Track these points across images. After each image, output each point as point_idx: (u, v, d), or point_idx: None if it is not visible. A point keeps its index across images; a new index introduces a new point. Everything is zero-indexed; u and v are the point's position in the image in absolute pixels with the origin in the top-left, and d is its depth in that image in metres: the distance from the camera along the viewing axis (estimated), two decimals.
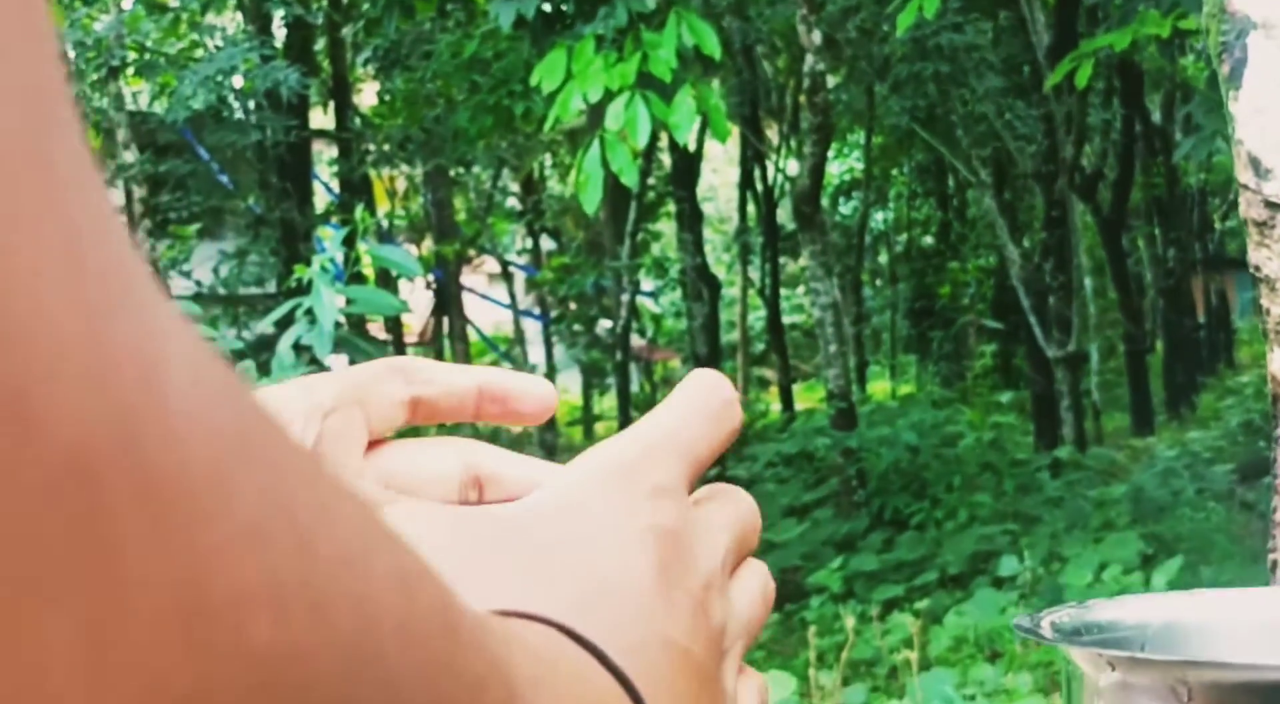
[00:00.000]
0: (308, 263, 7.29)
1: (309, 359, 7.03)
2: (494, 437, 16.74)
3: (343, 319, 7.22)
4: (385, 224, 20.72)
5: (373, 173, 19.02)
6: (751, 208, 22.29)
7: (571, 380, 26.24)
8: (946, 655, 8.01)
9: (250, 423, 0.27)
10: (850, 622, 7.60)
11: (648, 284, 24.29)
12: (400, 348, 20.52)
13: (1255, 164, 1.33)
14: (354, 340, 7.45)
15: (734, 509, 0.54)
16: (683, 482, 0.52)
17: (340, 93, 17.34)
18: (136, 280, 0.24)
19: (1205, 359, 23.14)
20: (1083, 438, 14.78)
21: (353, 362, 7.70)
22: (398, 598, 0.30)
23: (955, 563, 9.96)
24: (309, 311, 7.00)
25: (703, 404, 0.54)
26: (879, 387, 25.56)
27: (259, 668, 0.25)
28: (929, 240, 25.09)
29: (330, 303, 7.06)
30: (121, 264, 0.24)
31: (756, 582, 0.53)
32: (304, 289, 7.01)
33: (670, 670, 0.45)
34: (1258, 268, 1.32)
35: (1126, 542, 9.48)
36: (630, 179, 6.52)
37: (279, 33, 15.47)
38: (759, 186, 21.25)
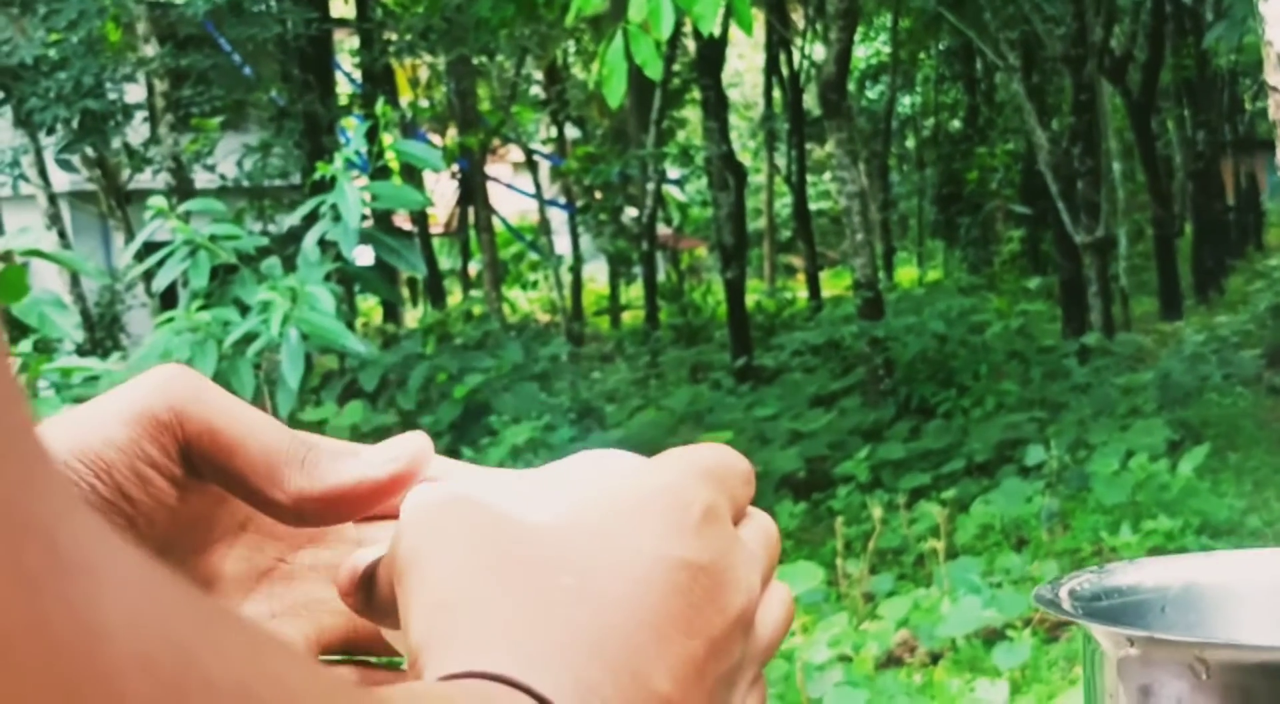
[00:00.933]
0: (332, 155, 7.29)
1: (335, 255, 7.04)
2: (522, 328, 16.76)
3: (368, 213, 7.23)
4: (408, 114, 20.62)
5: (395, 63, 18.89)
6: (777, 94, 22.11)
7: (598, 269, 26.23)
8: (973, 543, 8.05)
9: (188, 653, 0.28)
10: (877, 511, 7.65)
11: (673, 172, 24.18)
12: (426, 240, 20.53)
13: None
14: (379, 235, 7.45)
15: (765, 535, 0.52)
16: (729, 513, 0.50)
17: None
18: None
19: (1234, 242, 22.97)
20: (1110, 324, 14.74)
21: (378, 256, 7.72)
22: None
23: (982, 451, 9.98)
24: (334, 208, 7.01)
25: (734, 459, 0.53)
26: (906, 273, 25.48)
27: None
28: (956, 125, 24.88)
29: (355, 199, 7.05)
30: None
31: (781, 608, 0.52)
32: (329, 185, 7.00)
33: None
34: None
35: (1153, 428, 9.48)
36: (654, 71, 6.45)
37: None
38: (784, 72, 21.08)
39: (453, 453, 10.00)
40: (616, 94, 6.33)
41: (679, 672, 0.45)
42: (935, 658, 6.53)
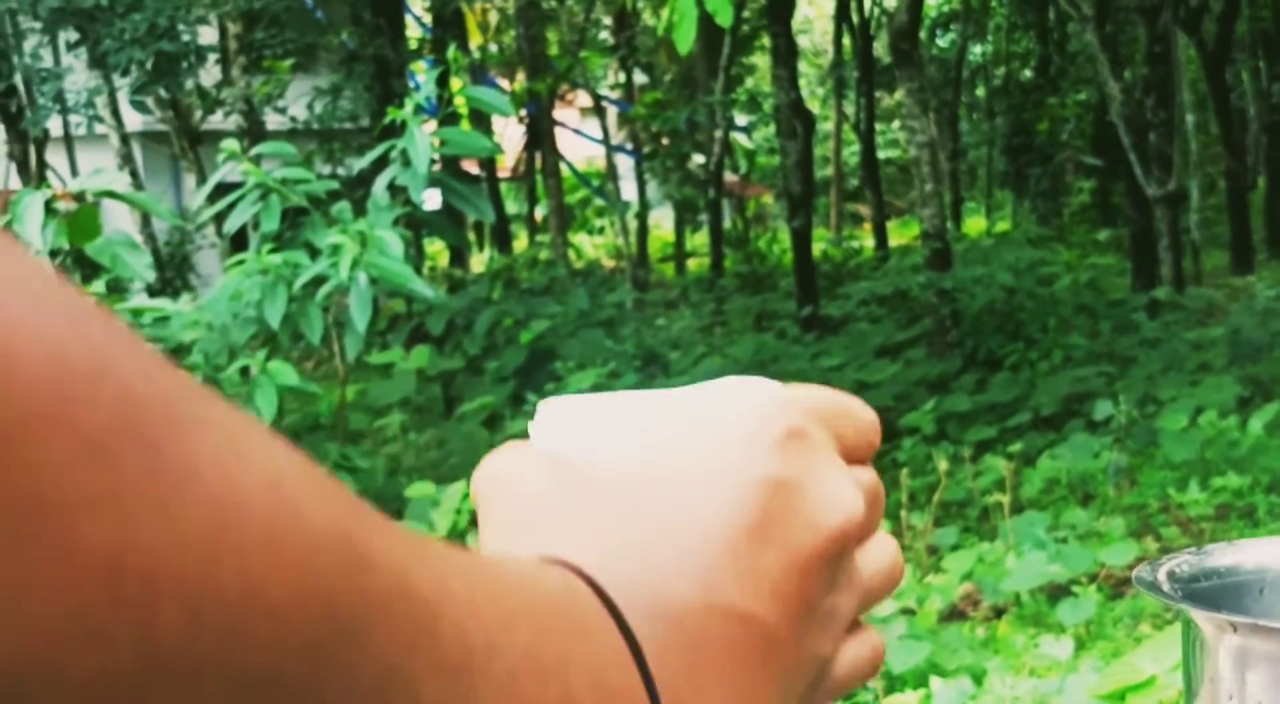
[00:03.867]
0: (401, 99, 7.31)
1: (404, 199, 7.07)
2: (588, 274, 16.77)
3: (436, 158, 7.25)
4: (477, 58, 20.61)
5: (465, 7, 18.88)
6: (847, 41, 21.96)
7: (664, 216, 26.18)
8: (1038, 498, 8.01)
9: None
10: (943, 463, 7.62)
11: (741, 119, 24.06)
12: (494, 185, 20.56)
13: None
14: (448, 180, 7.47)
15: (871, 483, 0.50)
16: (826, 435, 0.49)
17: None
18: None
19: None
20: (1181, 278, 14.60)
21: (446, 201, 7.74)
22: (266, 501, 0.31)
23: (1049, 405, 9.92)
24: (403, 153, 7.03)
25: (849, 404, 0.52)
26: (974, 224, 25.30)
27: (95, 557, 0.28)
28: (1028, 74, 24.62)
29: (424, 145, 7.07)
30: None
31: (888, 557, 0.51)
32: (398, 129, 7.02)
33: (716, 637, 0.44)
34: None
35: (1223, 385, 9.40)
36: (725, 18, 6.43)
37: None
38: (855, 19, 20.92)
39: (517, 399, 10.06)
40: (686, 40, 6.31)
41: (756, 585, 0.44)
42: (999, 612, 6.52)
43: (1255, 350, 11.01)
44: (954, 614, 6.56)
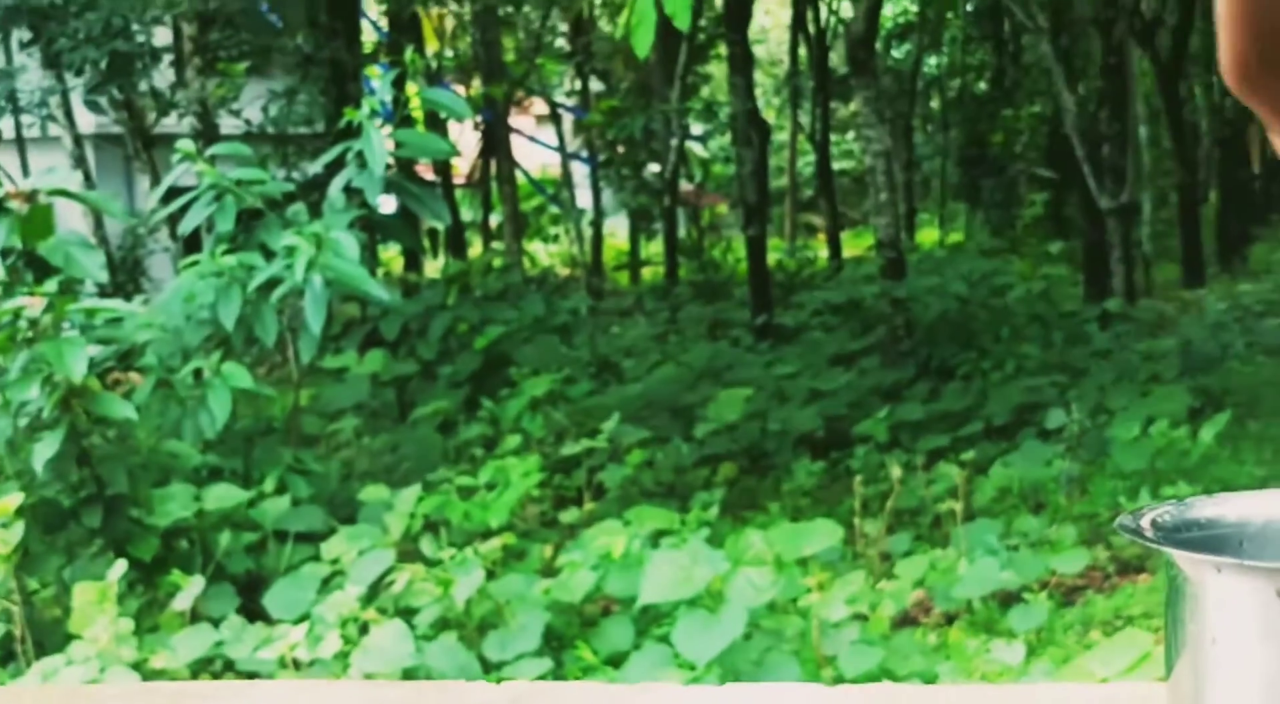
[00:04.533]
0: (357, 103, 7.28)
1: (360, 202, 7.04)
2: (542, 281, 16.76)
3: (392, 161, 7.23)
4: (434, 64, 20.56)
5: (421, 11, 18.84)
6: (803, 51, 22.02)
7: (619, 224, 26.17)
8: (991, 506, 8.04)
9: None
10: (896, 471, 7.63)
11: (697, 128, 24.09)
12: (449, 191, 20.51)
13: None
14: (404, 183, 7.45)
15: None
16: None
17: None
18: None
19: (1259, 209, 22.85)
20: (1132, 289, 14.70)
21: (402, 205, 7.71)
22: None
23: (1001, 414, 9.96)
24: (359, 155, 7.00)
25: None
26: (928, 235, 25.41)
27: None
28: (982, 87, 24.75)
29: (380, 147, 7.05)
30: None
31: None
32: (354, 132, 7.00)
33: None
34: None
35: (1174, 395, 9.46)
36: (683, 22, 6.43)
37: None
38: (811, 29, 20.98)
39: (471, 404, 10.03)
40: (644, 44, 6.31)
41: None
42: (951, 619, 6.53)
43: (1206, 362, 11.10)
44: (906, 620, 6.57)
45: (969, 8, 23.92)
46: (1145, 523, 0.73)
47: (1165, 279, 18.73)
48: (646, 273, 23.03)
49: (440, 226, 18.29)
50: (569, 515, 7.86)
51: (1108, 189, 14.31)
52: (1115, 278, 14.48)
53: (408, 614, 5.26)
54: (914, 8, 24.08)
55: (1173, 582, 0.70)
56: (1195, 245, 18.29)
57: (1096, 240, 14.80)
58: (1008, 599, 6.32)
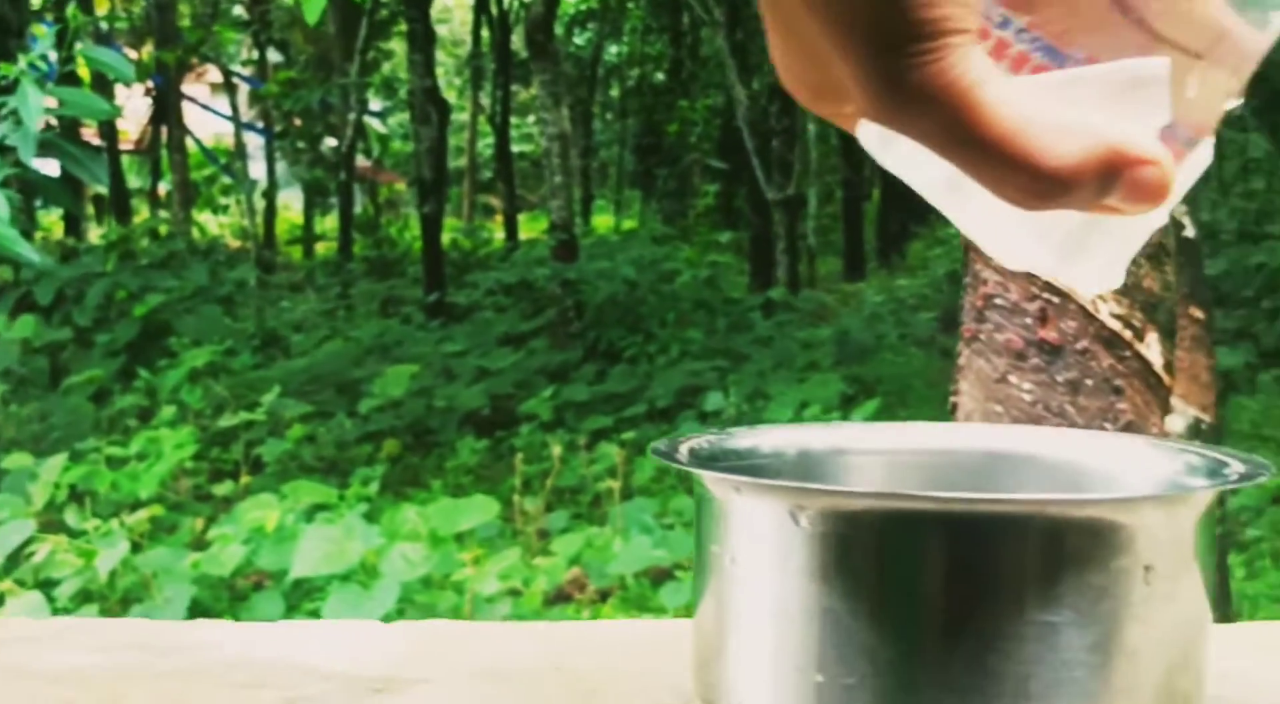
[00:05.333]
0: (17, 61, 6.99)
1: (13, 161, 6.77)
2: (210, 251, 16.35)
3: (54, 122, 6.96)
4: (105, 26, 19.86)
5: None
6: (486, 33, 21.98)
7: (293, 197, 25.72)
8: (649, 485, 8.16)
9: None
10: (557, 450, 7.69)
11: (376, 104, 23.83)
12: (115, 155, 19.85)
13: None
14: (61, 144, 7.19)
15: None
16: None
17: None
18: None
19: (918, 209, 23.69)
20: (796, 280, 15.10)
21: (63, 167, 7.44)
22: None
23: (664, 397, 10.12)
24: (14, 112, 6.73)
25: None
26: (603, 221, 25.63)
27: None
28: (660, 77, 25.08)
29: (36, 103, 6.77)
30: None
31: None
32: (10, 88, 6.72)
33: None
34: None
35: (829, 382, 9.75)
36: None
37: None
38: (494, 11, 20.96)
39: (128, 374, 9.74)
40: (314, 11, 6.20)
41: None
42: (604, 595, 6.61)
43: (861, 352, 11.47)
44: (561, 596, 6.62)
45: None
46: (683, 450, 0.76)
47: (828, 271, 19.31)
48: (321, 248, 22.69)
49: (105, 192, 17.69)
50: (223, 488, 7.69)
51: (775, 182, 14.68)
52: (780, 268, 14.85)
53: (48, 586, 5.10)
54: None
55: (699, 504, 0.72)
56: (857, 240, 18.90)
57: (763, 231, 15.17)
58: (660, 576, 6.42)
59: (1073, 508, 0.65)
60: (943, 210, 0.60)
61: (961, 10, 0.53)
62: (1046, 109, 0.53)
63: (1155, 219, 0.57)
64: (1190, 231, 4.26)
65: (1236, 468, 0.74)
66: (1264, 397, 9.98)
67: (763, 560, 0.67)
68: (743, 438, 0.80)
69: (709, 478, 0.70)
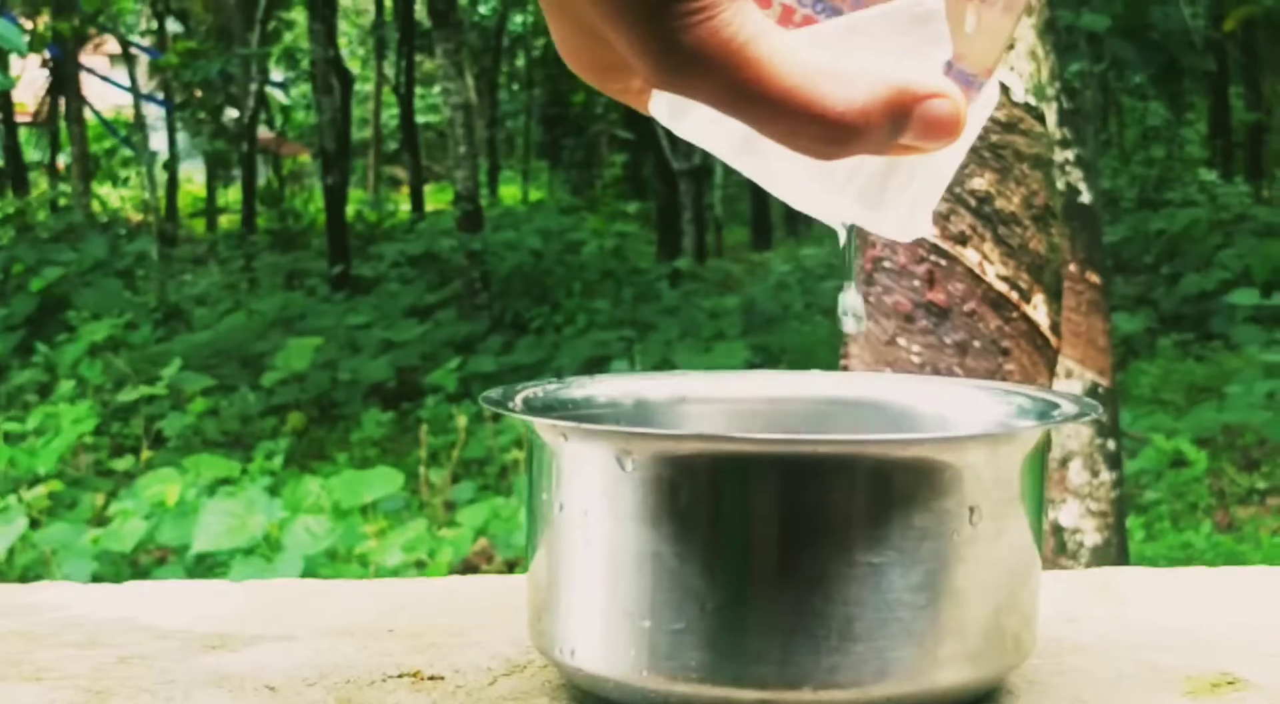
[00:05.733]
0: None
1: None
2: (109, 225, 16.15)
3: None
4: None
5: None
6: (389, 2, 21.82)
7: (195, 169, 25.46)
8: None
9: None
10: (463, 421, 7.68)
11: (278, 74, 23.60)
12: (10, 126, 19.54)
13: None
14: None
15: None
16: None
17: None
18: None
19: None
20: (703, 250, 15.14)
21: None
22: None
23: (570, 367, 10.12)
24: None
25: None
26: (510, 191, 25.57)
27: None
28: None
29: None
30: None
31: None
32: None
33: None
34: None
35: (735, 350, 9.79)
36: None
37: None
38: None
39: (26, 349, 9.61)
40: None
41: None
42: (511, 566, 6.62)
43: (766, 321, 11.52)
44: (467, 567, 6.62)
45: None
46: (517, 400, 0.75)
47: (735, 241, 19.37)
48: (224, 221, 22.46)
49: (1, 164, 17.42)
50: (124, 464, 7.61)
51: (681, 152, 14.69)
52: (687, 238, 14.89)
53: None
54: None
55: (530, 453, 0.72)
56: (764, 209, 18.96)
57: (670, 201, 15.18)
58: None
59: (896, 448, 0.65)
60: (744, 172, 0.59)
61: None
62: (827, 57, 0.53)
63: (954, 159, 0.57)
64: (1087, 197, 4.31)
65: (1066, 409, 0.75)
66: (1163, 361, 10.12)
67: (591, 507, 0.67)
68: (579, 387, 0.80)
69: (538, 425, 0.70)
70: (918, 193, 0.58)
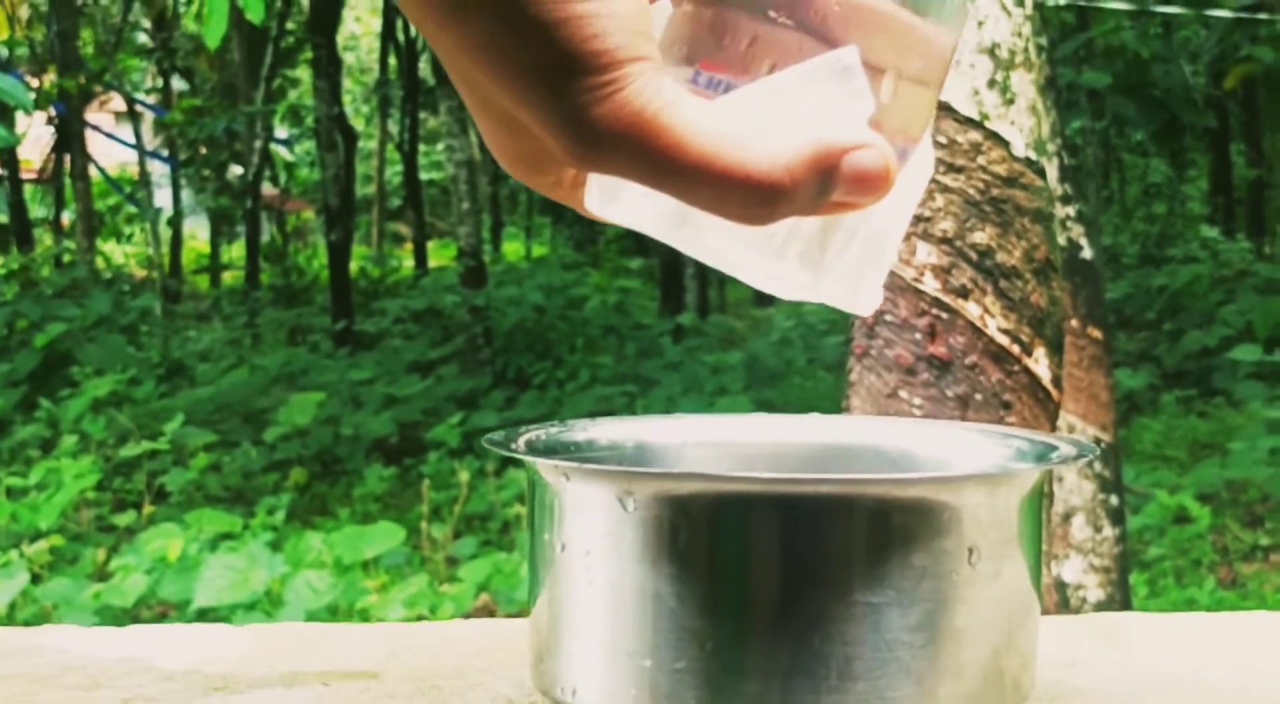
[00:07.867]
0: None
1: None
2: (113, 281, 16.19)
3: None
4: (5, 53, 19.65)
5: None
6: (394, 61, 21.94)
7: (199, 226, 25.54)
8: None
9: None
10: (465, 476, 7.67)
11: (282, 131, 23.71)
12: (15, 183, 19.63)
13: None
14: None
15: None
16: None
17: None
18: None
19: None
20: (705, 305, 15.16)
21: None
22: None
23: None
24: None
25: None
26: (513, 247, 25.64)
27: None
28: None
29: None
30: None
31: None
32: None
33: None
34: None
35: (737, 405, 9.80)
36: (256, 14, 6.30)
37: None
38: (401, 38, 20.93)
39: (30, 404, 9.61)
40: (216, 34, 6.17)
41: None
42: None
43: (769, 376, 11.53)
44: None
45: None
46: (521, 442, 0.76)
47: (738, 297, 19.39)
48: (228, 277, 22.52)
49: (5, 220, 17.49)
50: (126, 518, 7.61)
51: None
52: (689, 293, 14.91)
53: None
54: None
55: (532, 494, 0.72)
56: None
57: (672, 257, 15.20)
58: None
59: (895, 488, 0.66)
60: (681, 248, 0.57)
61: (635, 38, 0.51)
62: (745, 119, 0.51)
63: (898, 220, 0.56)
64: (1088, 253, 4.32)
65: (1064, 451, 0.76)
66: (1166, 417, 10.11)
67: (593, 547, 0.68)
68: (580, 430, 0.81)
69: (541, 466, 0.70)
70: (861, 254, 0.56)
